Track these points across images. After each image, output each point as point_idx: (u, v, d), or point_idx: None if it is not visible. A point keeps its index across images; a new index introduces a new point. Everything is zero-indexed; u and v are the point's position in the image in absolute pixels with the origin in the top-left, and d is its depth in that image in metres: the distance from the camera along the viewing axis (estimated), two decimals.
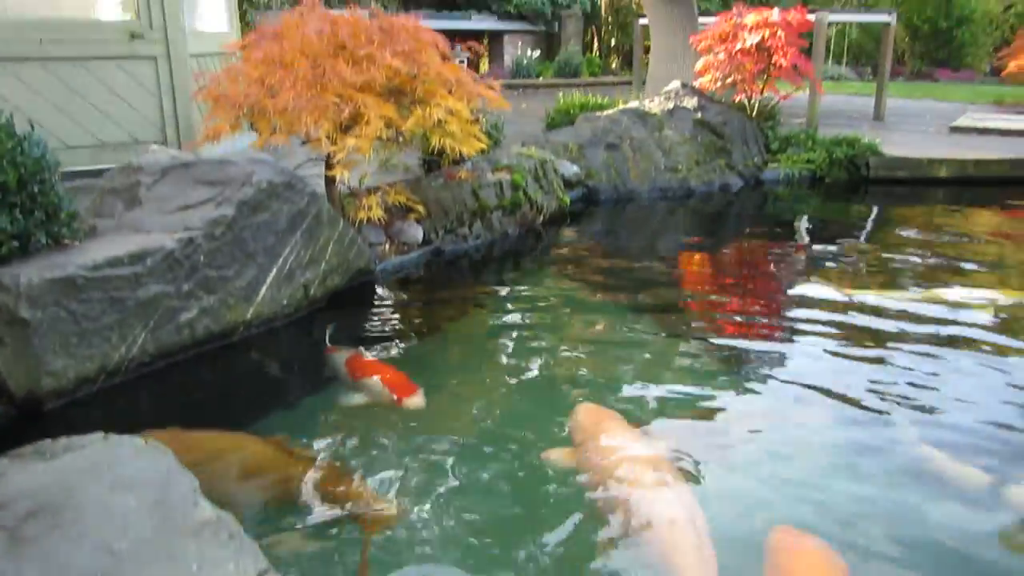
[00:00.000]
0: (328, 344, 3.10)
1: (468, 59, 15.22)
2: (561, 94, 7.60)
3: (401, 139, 4.21)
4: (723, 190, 6.31)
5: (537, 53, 14.90)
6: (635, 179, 6.09)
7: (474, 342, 3.45)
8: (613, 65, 17.81)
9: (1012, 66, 10.15)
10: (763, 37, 6.24)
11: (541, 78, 14.60)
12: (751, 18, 6.34)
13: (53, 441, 2.15)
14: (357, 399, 2.67)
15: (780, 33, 6.18)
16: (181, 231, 3.03)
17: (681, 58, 8.42)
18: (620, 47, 18.24)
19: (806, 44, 6.62)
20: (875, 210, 6.13)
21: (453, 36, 16.41)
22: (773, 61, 6.33)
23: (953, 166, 6.57)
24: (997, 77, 22.82)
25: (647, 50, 9.96)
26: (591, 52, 17.17)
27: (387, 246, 4.41)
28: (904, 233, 5.29)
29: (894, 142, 7.17)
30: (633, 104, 6.64)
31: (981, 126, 8.15)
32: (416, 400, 2.56)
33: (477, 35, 15.96)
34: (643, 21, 9.51)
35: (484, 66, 16.51)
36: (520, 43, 15.25)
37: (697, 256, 5.05)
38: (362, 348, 3.01)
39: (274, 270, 3.37)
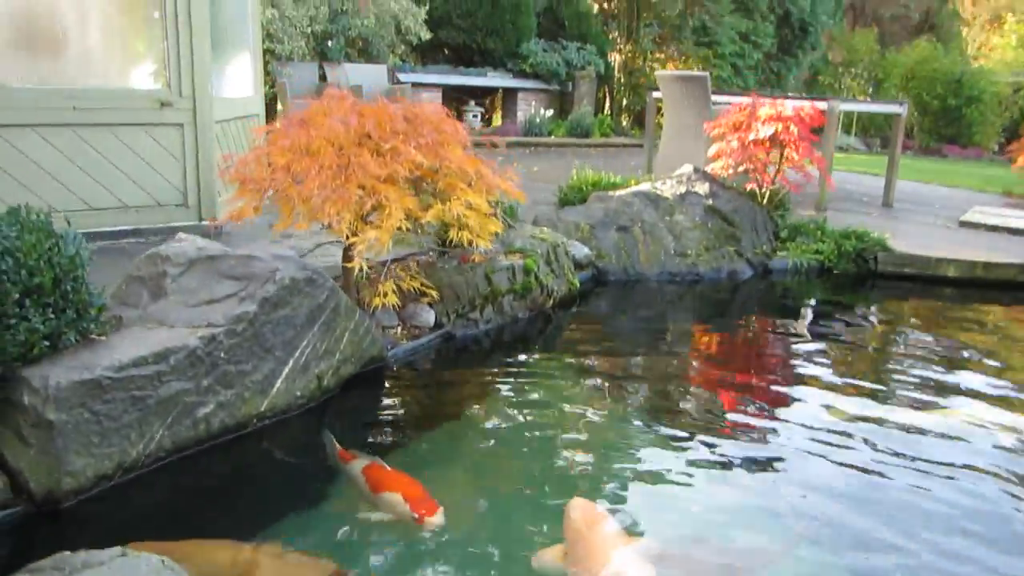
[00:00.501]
0: (340, 449, 3.14)
1: (482, 114, 15.46)
2: (575, 170, 7.72)
3: (420, 230, 4.30)
4: (731, 277, 6.39)
5: (551, 112, 15.15)
6: (644, 262, 6.18)
7: (480, 433, 3.51)
8: (624, 123, 18.06)
9: (1021, 160, 10.28)
10: (776, 131, 6.37)
11: (553, 136, 14.82)
12: (764, 111, 6.48)
13: (72, 555, 2.20)
14: (374, 514, 2.71)
15: (793, 128, 6.32)
16: (204, 327, 3.10)
17: (693, 138, 8.57)
18: (631, 108, 18.51)
19: (818, 139, 6.75)
20: (883, 306, 6.22)
21: (469, 92, 16.66)
22: (785, 154, 6.46)
23: (961, 266, 6.64)
24: (1004, 156, 23.12)
25: (659, 110, 10.14)
26: (603, 112, 17.42)
27: (399, 329, 4.48)
28: (912, 334, 5.38)
29: (903, 234, 7.26)
30: (645, 186, 6.76)
31: (990, 223, 8.25)
32: (437, 520, 2.60)
33: (492, 91, 16.25)
34: (656, 94, 9.69)
35: (497, 120, 16.77)
36: (534, 101, 15.51)
37: (702, 345, 5.14)
38: (379, 458, 3.05)
39: (291, 362, 3.43)
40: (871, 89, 22.50)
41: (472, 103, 15.05)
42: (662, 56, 17.83)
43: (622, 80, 18.04)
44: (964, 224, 8.39)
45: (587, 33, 16.39)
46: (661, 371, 4.46)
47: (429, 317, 4.59)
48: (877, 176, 12.21)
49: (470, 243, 4.23)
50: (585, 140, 14.80)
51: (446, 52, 14.95)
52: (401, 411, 3.82)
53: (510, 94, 15.63)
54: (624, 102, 18.45)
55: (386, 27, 13.13)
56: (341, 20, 12.64)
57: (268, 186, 4.00)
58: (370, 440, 3.37)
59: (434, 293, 4.62)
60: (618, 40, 17.84)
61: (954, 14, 25.74)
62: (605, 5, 18.19)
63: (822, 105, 8.37)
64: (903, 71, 22.53)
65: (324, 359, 3.61)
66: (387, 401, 3.96)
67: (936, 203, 10.12)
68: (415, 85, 13.68)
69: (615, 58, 17.63)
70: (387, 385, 4.05)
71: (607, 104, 18.04)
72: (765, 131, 6.44)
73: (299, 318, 3.43)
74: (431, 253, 5.09)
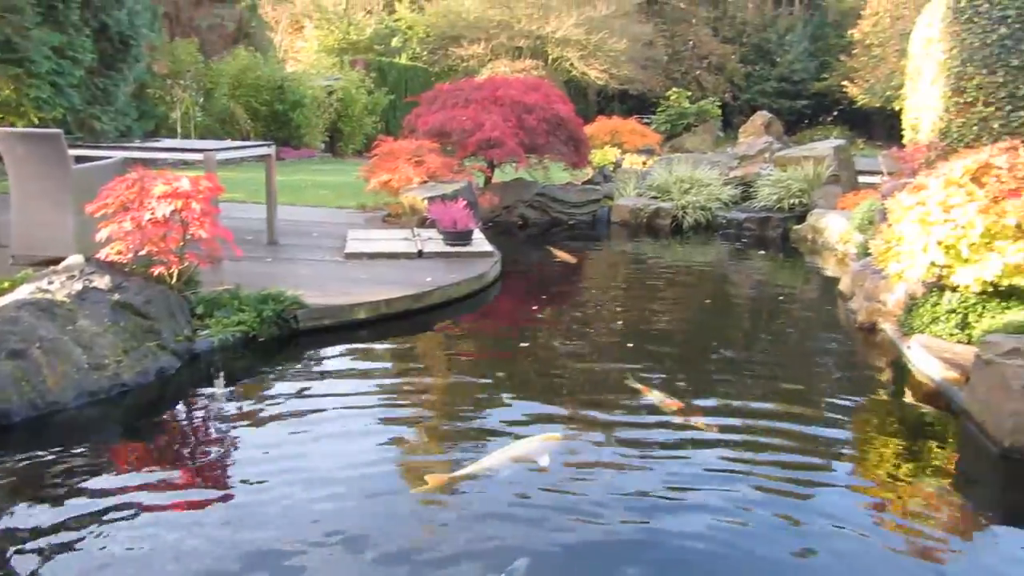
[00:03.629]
0: None
1: None
2: None
3: None
4: (160, 375, 5.70)
5: None
6: (55, 388, 5.10)
7: None
8: None
9: (373, 183, 11.34)
10: (176, 207, 5.81)
11: None
12: (159, 188, 5.82)
13: None
14: None
15: (196, 205, 5.83)
16: None
17: (54, 206, 7.38)
18: None
19: (219, 211, 6.37)
20: (304, 363, 6.45)
21: None
22: (191, 232, 5.95)
23: (369, 308, 7.14)
24: (331, 154, 25.55)
25: None
26: None
27: None
28: (335, 378, 6.00)
29: (306, 282, 7.44)
30: (27, 290, 5.55)
31: (370, 251, 8.96)
32: None
33: None
34: None
35: None
36: None
37: (135, 473, 4.46)
38: None
39: None
40: (202, 99, 22.51)
41: None
42: None
43: None
44: (350, 256, 8.94)
45: None
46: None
47: None
48: (245, 204, 12.33)
49: None
50: None
51: None
52: None
53: None
54: None
55: None
56: None
57: None
58: None
59: None
60: None
61: (264, 23, 27.13)
62: None
63: (198, 156, 8.02)
64: (229, 80, 23.11)
65: None
66: None
67: (314, 231, 10.61)
68: None
69: None
70: None
71: None
72: (163, 209, 5.81)
73: None
74: None
